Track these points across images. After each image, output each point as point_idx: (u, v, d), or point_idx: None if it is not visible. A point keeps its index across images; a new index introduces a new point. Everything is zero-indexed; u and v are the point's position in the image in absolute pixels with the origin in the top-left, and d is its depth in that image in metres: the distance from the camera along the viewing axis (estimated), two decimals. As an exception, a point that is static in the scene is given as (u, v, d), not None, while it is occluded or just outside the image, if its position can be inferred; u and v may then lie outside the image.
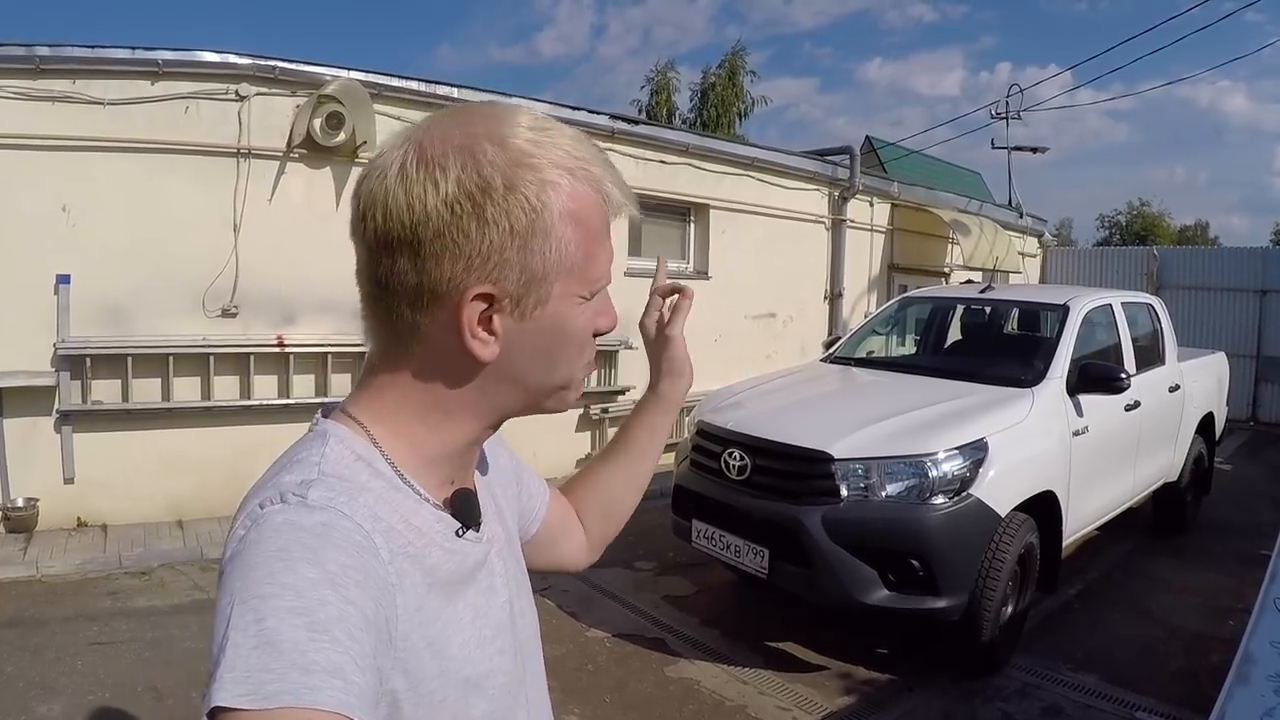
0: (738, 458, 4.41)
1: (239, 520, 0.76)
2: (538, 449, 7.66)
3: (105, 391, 5.97)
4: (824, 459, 4.12)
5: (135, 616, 4.81)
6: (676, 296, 1.27)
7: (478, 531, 0.90)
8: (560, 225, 0.79)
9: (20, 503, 5.85)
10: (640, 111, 23.97)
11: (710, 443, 4.67)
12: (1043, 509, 4.51)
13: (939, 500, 4.03)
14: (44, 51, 5.63)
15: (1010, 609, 4.36)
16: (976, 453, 4.15)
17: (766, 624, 4.93)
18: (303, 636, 0.64)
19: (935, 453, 4.09)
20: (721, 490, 4.48)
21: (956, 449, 4.12)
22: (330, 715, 0.62)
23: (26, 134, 5.66)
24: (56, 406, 5.87)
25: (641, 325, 1.28)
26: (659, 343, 1.28)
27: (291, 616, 0.65)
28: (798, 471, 4.21)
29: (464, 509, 0.88)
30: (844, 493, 4.07)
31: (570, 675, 4.28)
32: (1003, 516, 4.14)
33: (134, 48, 5.87)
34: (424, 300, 0.79)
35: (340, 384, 6.61)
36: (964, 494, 4.06)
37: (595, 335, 0.89)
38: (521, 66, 60.50)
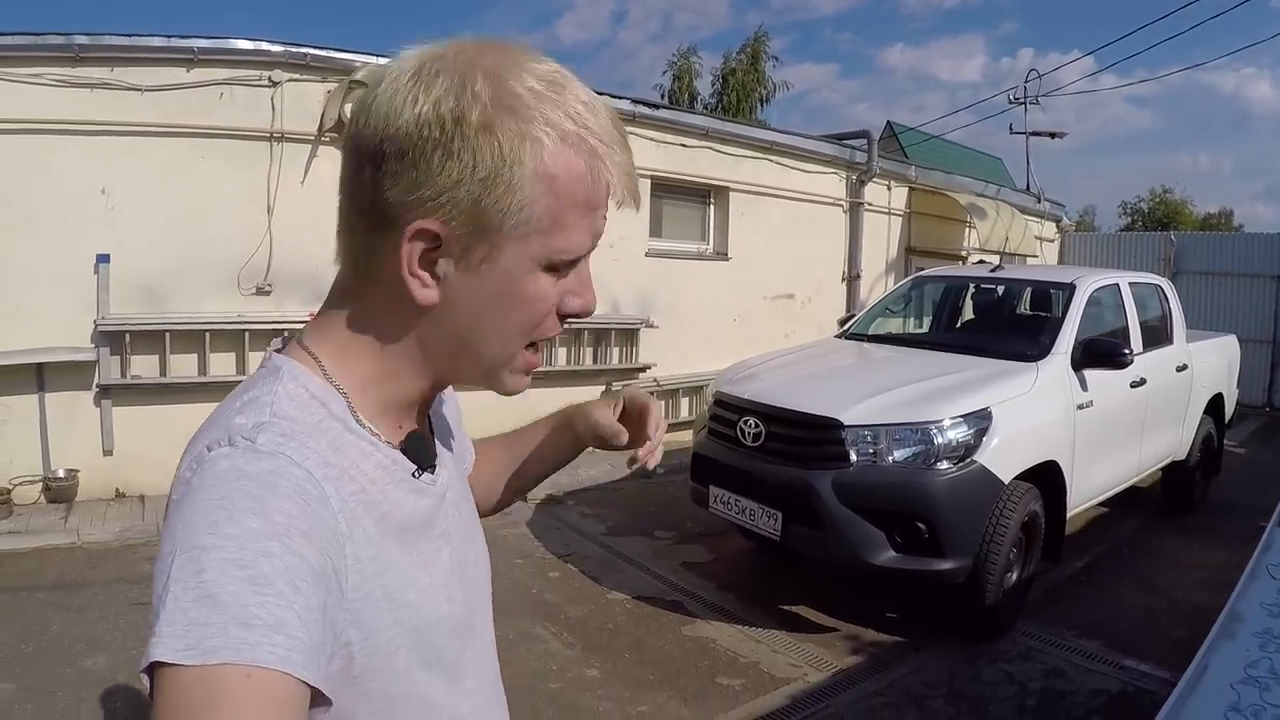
0: (753, 425, 4.72)
1: (185, 462, 0.74)
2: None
3: (143, 366, 6.30)
4: (835, 425, 4.41)
5: None
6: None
7: (432, 474, 0.89)
8: (531, 184, 0.75)
9: (61, 474, 6.18)
10: (662, 96, 24.18)
11: (727, 411, 4.98)
12: (1047, 480, 4.78)
13: (944, 465, 4.32)
14: (83, 40, 5.94)
15: (1015, 575, 4.63)
16: (981, 421, 4.43)
17: (781, 589, 5.24)
18: (245, 590, 0.62)
19: (941, 420, 4.38)
20: (738, 457, 4.79)
21: (961, 417, 4.41)
22: (272, 672, 0.61)
23: (67, 119, 5.97)
24: (96, 381, 6.19)
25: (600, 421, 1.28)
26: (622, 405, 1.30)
27: (234, 569, 0.63)
28: (810, 438, 4.51)
29: (417, 451, 0.87)
30: (853, 458, 4.37)
31: (591, 633, 4.60)
32: (1006, 483, 4.42)
33: (170, 36, 6.19)
34: (376, 222, 0.77)
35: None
36: (968, 460, 4.34)
37: (564, 317, 0.85)
38: (541, 52, 60.40)
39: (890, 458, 4.36)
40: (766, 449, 4.65)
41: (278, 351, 0.85)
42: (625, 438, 1.25)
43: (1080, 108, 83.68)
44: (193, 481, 0.70)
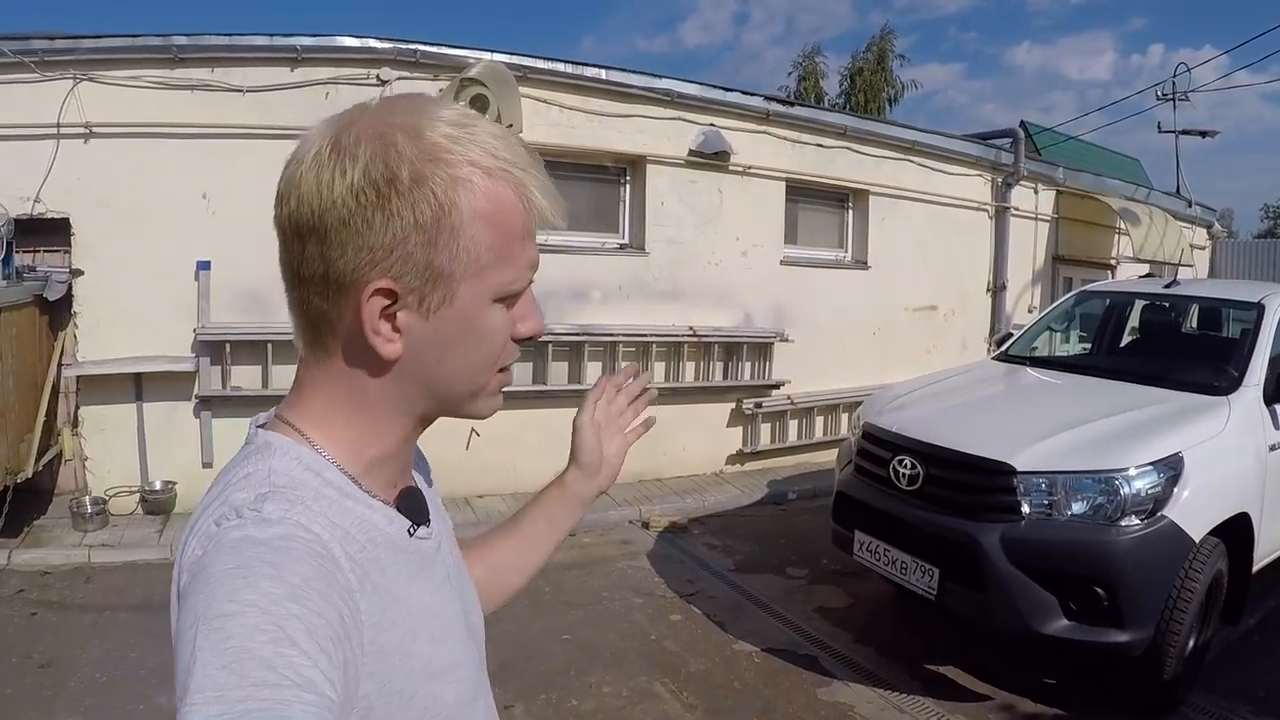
0: (909, 466, 4.34)
1: (191, 543, 0.77)
2: (687, 444, 7.74)
3: (244, 377, 6.27)
4: (1005, 471, 4.01)
5: None
6: (618, 393, 1.33)
7: (428, 528, 0.93)
8: (471, 224, 0.79)
9: (158, 486, 6.22)
10: (788, 97, 23.91)
11: (878, 448, 4.61)
12: (1234, 532, 4.29)
13: (1129, 522, 3.87)
14: (181, 41, 5.94)
15: (1193, 642, 4.18)
16: (1171, 469, 3.97)
17: (926, 644, 4.86)
18: (270, 652, 0.65)
19: (1127, 468, 3.93)
20: (889, 501, 4.42)
21: (1150, 464, 3.95)
22: None
23: (166, 122, 5.97)
24: (196, 392, 6.19)
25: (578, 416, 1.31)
26: (574, 430, 1.30)
27: (257, 633, 0.66)
28: (975, 484, 4.11)
29: (412, 507, 0.91)
30: (1025, 509, 3.96)
31: (716, 693, 4.31)
32: (1196, 541, 3.96)
33: (272, 34, 6.13)
34: (330, 291, 0.80)
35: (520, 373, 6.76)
36: (1157, 515, 3.90)
37: (520, 340, 0.89)
38: (664, 55, 61.61)
39: (1068, 511, 3.94)
40: (924, 494, 4.27)
41: (260, 428, 0.88)
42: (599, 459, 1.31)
43: (1214, 106, 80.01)
44: (204, 558, 0.72)
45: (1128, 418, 4.35)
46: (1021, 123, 19.22)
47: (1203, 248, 13.93)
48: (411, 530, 0.89)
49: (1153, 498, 3.92)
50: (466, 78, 6.16)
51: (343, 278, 0.79)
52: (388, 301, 0.79)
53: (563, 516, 1.31)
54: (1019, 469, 3.98)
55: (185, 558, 0.77)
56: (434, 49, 6.40)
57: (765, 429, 8.31)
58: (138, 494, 6.21)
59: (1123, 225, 10.74)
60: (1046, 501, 3.96)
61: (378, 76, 6.26)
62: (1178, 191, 14.16)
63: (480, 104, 6.15)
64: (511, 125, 6.38)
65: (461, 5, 78.64)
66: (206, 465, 6.25)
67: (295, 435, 0.86)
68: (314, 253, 0.79)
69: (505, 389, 0.93)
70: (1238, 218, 45.39)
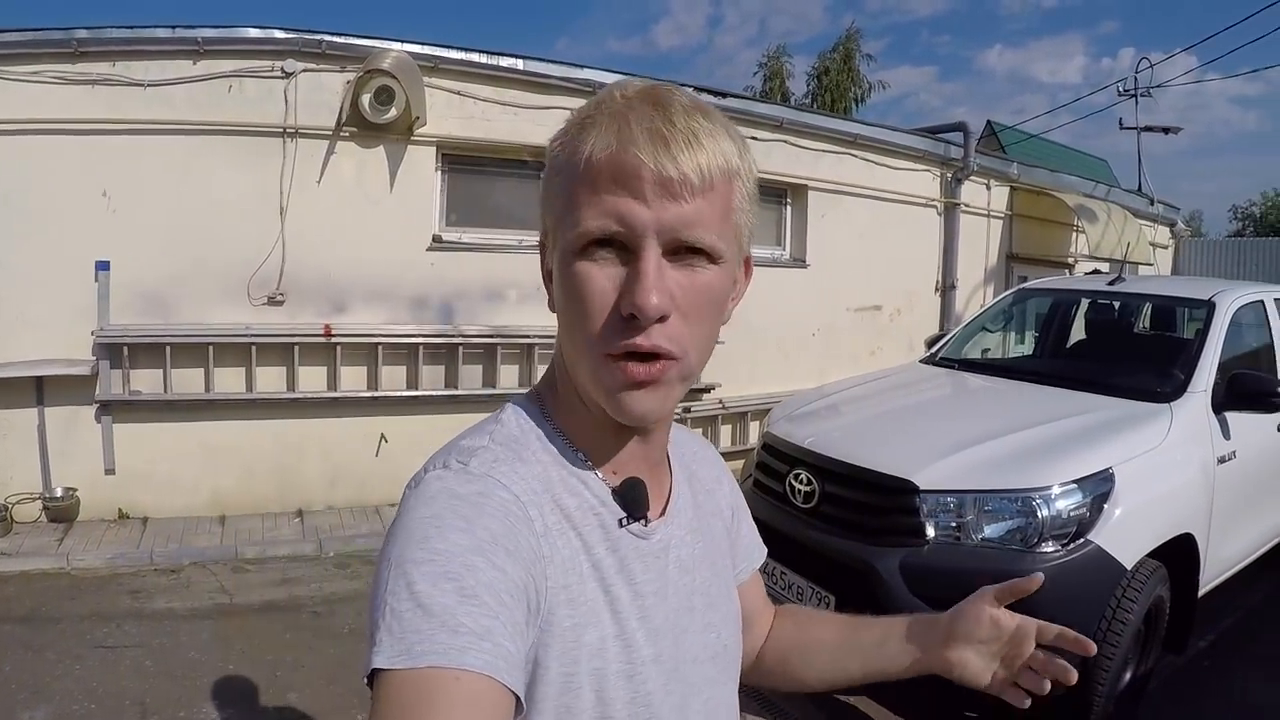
0: (805, 481, 3.68)
1: (410, 482, 0.79)
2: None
3: (145, 381, 5.68)
4: (907, 490, 3.35)
5: (150, 619, 4.53)
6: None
7: (644, 525, 0.86)
8: (555, 174, 0.79)
9: (59, 493, 5.64)
10: (753, 97, 23.20)
11: (776, 460, 3.95)
12: (1177, 554, 3.64)
13: (1049, 548, 3.21)
14: (82, 34, 5.38)
15: (1129, 674, 3.56)
16: (1100, 486, 3.33)
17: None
18: (452, 600, 0.65)
19: (1048, 487, 3.27)
20: (785, 519, 3.75)
21: (1075, 482, 3.30)
22: (477, 675, 0.63)
23: (66, 118, 5.41)
24: (96, 395, 5.61)
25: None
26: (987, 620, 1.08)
27: (443, 581, 0.66)
28: (874, 503, 3.45)
29: (628, 497, 0.84)
30: (930, 533, 3.30)
31: None
32: (1128, 569, 3.30)
33: (174, 26, 5.54)
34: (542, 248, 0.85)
35: (392, 377, 6.17)
36: (1081, 540, 3.24)
37: (627, 315, 0.74)
38: (638, 57, 60.51)
39: (979, 535, 3.28)
40: (820, 513, 3.61)
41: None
42: (1013, 623, 1.05)
43: (1184, 109, 79.54)
44: (408, 502, 0.75)
45: (1054, 428, 3.69)
46: (988, 122, 18.56)
47: (1165, 246, 13.20)
48: (624, 522, 0.84)
49: (1076, 520, 3.27)
50: (371, 69, 5.50)
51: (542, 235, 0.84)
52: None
53: (898, 652, 1.10)
54: (922, 487, 3.32)
55: (405, 492, 0.77)
56: (340, 39, 5.76)
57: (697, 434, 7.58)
58: (39, 501, 5.62)
59: (1079, 222, 10.01)
60: (954, 524, 3.30)
61: (282, 68, 5.61)
62: (1140, 189, 13.44)
63: (386, 95, 5.51)
64: (418, 118, 5.76)
65: (437, 4, 77.71)
66: (109, 471, 5.66)
67: (534, 398, 0.87)
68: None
69: (631, 384, 0.76)
70: (1208, 219, 44.52)
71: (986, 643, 1.06)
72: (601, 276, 0.75)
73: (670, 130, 0.73)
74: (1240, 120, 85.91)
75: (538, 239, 0.84)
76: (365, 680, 0.64)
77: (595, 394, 0.79)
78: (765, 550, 1.16)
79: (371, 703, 0.63)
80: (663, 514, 0.89)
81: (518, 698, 0.66)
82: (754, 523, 1.16)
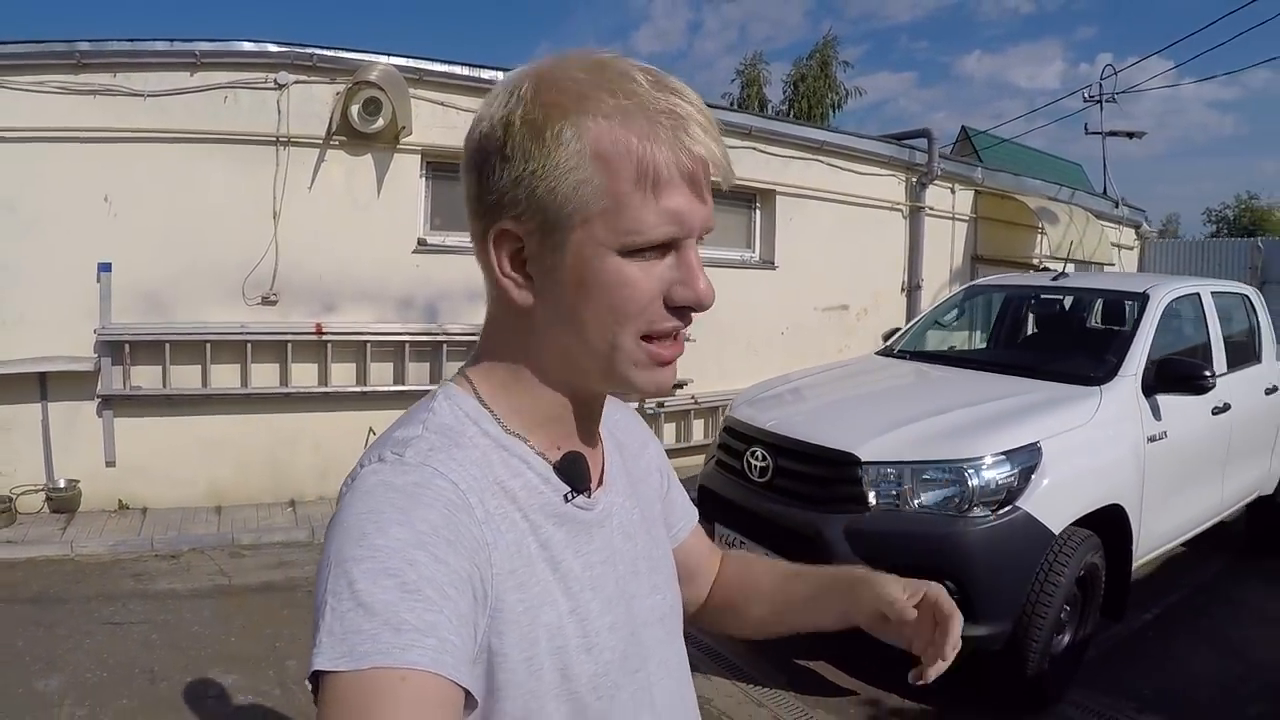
0: (760, 458, 3.96)
1: (347, 478, 0.76)
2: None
3: (145, 377, 5.92)
4: (850, 461, 3.64)
5: (153, 599, 4.74)
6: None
7: (588, 497, 0.85)
8: (580, 167, 0.72)
9: (62, 484, 5.86)
10: (731, 104, 23.37)
11: (735, 440, 4.24)
12: (1110, 525, 3.91)
13: (979, 513, 3.50)
14: (85, 46, 5.61)
15: (1066, 638, 3.81)
16: (1027, 459, 3.61)
17: (798, 640, 4.41)
18: (394, 597, 0.63)
19: (979, 458, 3.55)
20: (743, 493, 4.04)
21: (1004, 454, 3.58)
22: (422, 673, 0.61)
23: (69, 127, 5.63)
24: (98, 391, 5.84)
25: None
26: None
27: (383, 578, 0.64)
28: (821, 475, 3.74)
29: (570, 472, 0.84)
30: (872, 501, 3.58)
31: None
32: (1056, 534, 3.58)
33: (172, 40, 5.79)
34: (477, 232, 0.79)
35: (380, 373, 6.43)
36: (1010, 506, 3.52)
37: (675, 309, 0.78)
38: None
39: (916, 501, 3.57)
40: (774, 486, 3.89)
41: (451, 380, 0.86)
42: (912, 616, 1.01)
43: (1161, 115, 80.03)
44: (345, 498, 0.72)
45: (989, 407, 3.98)
46: (963, 127, 18.92)
47: (1130, 248, 13.49)
48: (569, 496, 0.83)
49: (1005, 488, 3.55)
50: (360, 81, 5.78)
51: (480, 220, 0.78)
52: (515, 247, 0.77)
53: (826, 608, 1.11)
54: (864, 459, 3.61)
55: (341, 489, 0.76)
56: (329, 52, 6.02)
57: (669, 429, 7.89)
58: (43, 492, 5.84)
59: (1041, 225, 10.32)
60: (895, 492, 3.59)
61: (274, 80, 5.88)
62: (1104, 192, 13.75)
63: (373, 106, 5.79)
64: (404, 128, 6.03)
65: (422, 9, 78.00)
66: (110, 464, 5.89)
67: (466, 385, 0.84)
68: (470, 189, 0.79)
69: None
70: (1185, 222, 44.99)
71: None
72: (647, 274, 0.75)
73: (709, 121, 0.75)
74: (1217, 124, 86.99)
75: (486, 230, 0.77)
76: (308, 682, 0.63)
77: (609, 377, 0.80)
78: (696, 511, 1.17)
79: (317, 706, 0.62)
80: (600, 483, 0.89)
81: (468, 692, 0.66)
82: (681, 485, 1.16)
